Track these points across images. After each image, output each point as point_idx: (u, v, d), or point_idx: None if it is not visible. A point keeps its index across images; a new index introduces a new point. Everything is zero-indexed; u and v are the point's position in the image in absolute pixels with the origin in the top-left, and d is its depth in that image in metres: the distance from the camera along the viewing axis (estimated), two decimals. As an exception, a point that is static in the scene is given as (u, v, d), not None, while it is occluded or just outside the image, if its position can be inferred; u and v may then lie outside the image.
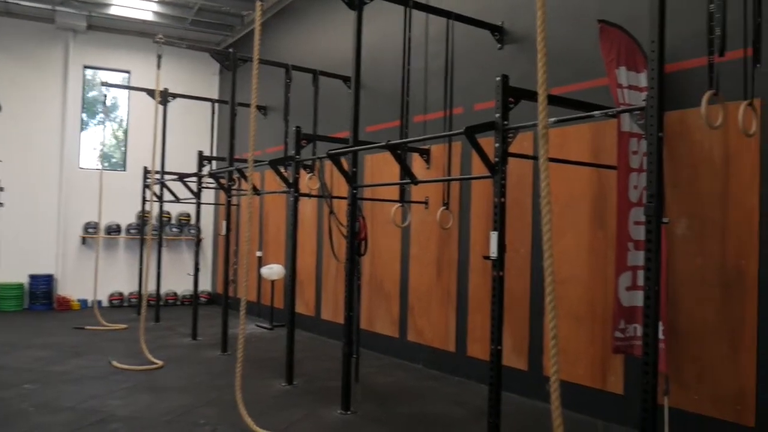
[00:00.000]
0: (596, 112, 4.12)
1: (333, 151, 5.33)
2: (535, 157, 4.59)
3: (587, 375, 5.53)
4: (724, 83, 3.75)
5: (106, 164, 12.01)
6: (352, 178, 5.42)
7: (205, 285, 12.81)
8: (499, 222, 4.04)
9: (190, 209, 12.39)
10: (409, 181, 4.92)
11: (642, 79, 5.08)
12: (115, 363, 6.91)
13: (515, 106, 4.13)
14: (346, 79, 8.66)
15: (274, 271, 9.70)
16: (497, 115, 4.04)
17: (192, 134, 12.34)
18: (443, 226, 6.18)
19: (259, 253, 10.88)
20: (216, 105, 11.48)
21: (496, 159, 4.04)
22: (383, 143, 4.75)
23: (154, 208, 11.45)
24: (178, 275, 12.30)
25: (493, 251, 4.03)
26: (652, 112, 3.38)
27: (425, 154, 7.21)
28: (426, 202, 7.04)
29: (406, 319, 7.59)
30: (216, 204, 12.31)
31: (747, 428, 4.32)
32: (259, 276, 10.77)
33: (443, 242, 7.09)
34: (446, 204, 5.96)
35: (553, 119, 3.98)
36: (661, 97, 3.38)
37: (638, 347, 4.85)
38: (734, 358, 4.45)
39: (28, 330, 9.42)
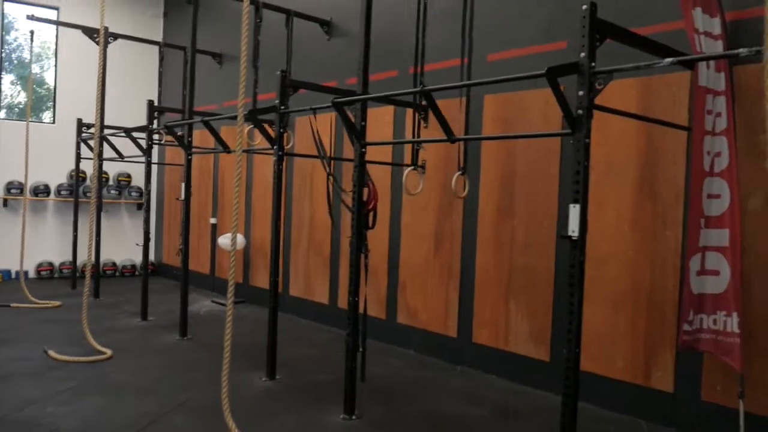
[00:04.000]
0: (739, 52, 3.18)
1: (339, 99, 4.30)
2: (623, 113, 3.73)
3: (627, 369, 4.80)
4: None
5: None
6: (361, 134, 4.41)
7: (150, 254, 11.47)
8: (582, 192, 3.16)
9: (131, 169, 11.00)
10: (444, 138, 3.94)
11: (716, 25, 4.27)
12: (51, 353, 5.72)
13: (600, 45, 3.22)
14: (323, 23, 7.53)
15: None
16: (582, 54, 3.12)
17: (130, 83, 10.86)
18: (458, 194, 5.27)
19: (213, 220, 9.69)
20: (160, 50, 10.05)
21: (579, 111, 3.14)
22: (417, 89, 3.74)
23: (89, 167, 10.04)
24: (117, 243, 10.96)
25: (573, 228, 3.15)
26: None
27: (423, 111, 6.24)
28: (423, 166, 6.11)
29: (396, 299, 6.70)
30: (162, 164, 10.95)
31: None
32: (214, 246, 9.64)
33: (444, 212, 6.20)
34: (463, 169, 5.05)
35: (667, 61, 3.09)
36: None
37: (705, 341, 4.13)
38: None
39: (-62, 308, 7.98)
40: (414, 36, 5.76)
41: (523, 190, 5.52)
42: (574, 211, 3.15)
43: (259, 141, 7.06)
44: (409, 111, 6.45)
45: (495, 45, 5.76)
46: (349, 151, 7.25)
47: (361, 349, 4.48)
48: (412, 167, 5.15)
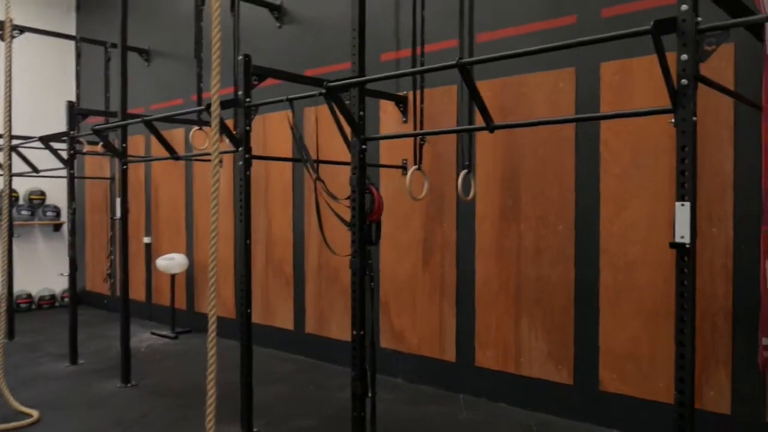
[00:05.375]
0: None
1: (334, 83, 3.41)
2: (727, 91, 3.03)
3: (671, 390, 4.15)
4: None
5: None
6: (360, 126, 3.54)
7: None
8: (690, 186, 2.43)
9: (44, 185, 9.61)
10: (483, 126, 3.12)
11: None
12: (-41, 420, 4.51)
13: None
14: (273, 8, 6.59)
15: (175, 262, 7.50)
16: (684, 7, 2.40)
17: (39, 86, 9.49)
18: (465, 197, 4.47)
19: (147, 239, 8.50)
20: (76, 46, 8.74)
21: (683, 82, 2.41)
22: (451, 63, 2.89)
23: (-6, 185, 8.62)
24: (32, 271, 9.52)
25: (683, 233, 2.42)
26: None
27: (402, 103, 5.44)
28: (404, 167, 5.31)
29: (377, 320, 5.84)
30: (85, 177, 9.60)
31: None
32: (149, 269, 8.46)
33: (432, 218, 5.40)
34: (467, 166, 4.26)
35: None
36: None
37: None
38: None
39: None
40: (381, 20, 4.94)
41: (530, 189, 4.81)
42: (683, 211, 2.42)
43: (206, 145, 6.05)
44: (384, 104, 5.64)
45: (483, 24, 5.03)
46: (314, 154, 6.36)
47: (370, 394, 3.60)
48: (416, 167, 4.32)
